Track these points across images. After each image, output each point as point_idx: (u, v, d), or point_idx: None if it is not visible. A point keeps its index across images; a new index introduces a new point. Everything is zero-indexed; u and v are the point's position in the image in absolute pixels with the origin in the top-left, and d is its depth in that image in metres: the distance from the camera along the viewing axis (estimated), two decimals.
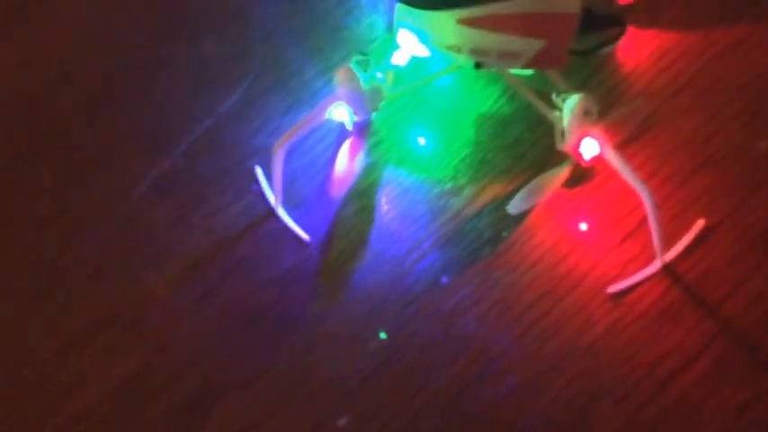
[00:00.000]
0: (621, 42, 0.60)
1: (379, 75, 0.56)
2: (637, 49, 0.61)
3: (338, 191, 0.59)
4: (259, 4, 0.70)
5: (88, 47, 0.71)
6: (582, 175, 0.57)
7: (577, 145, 0.52)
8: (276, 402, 0.54)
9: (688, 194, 0.55)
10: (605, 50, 0.58)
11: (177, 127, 0.65)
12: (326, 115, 0.56)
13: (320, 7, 0.69)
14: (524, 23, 0.53)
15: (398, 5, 0.57)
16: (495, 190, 0.57)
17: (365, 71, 0.56)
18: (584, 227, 0.55)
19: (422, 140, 0.60)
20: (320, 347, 0.55)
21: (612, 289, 0.52)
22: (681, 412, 0.51)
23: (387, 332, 0.55)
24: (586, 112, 0.50)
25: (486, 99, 0.61)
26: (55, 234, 0.62)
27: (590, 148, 0.51)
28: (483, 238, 0.56)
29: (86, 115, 0.67)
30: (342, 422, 0.52)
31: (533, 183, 0.53)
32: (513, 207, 0.54)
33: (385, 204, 0.58)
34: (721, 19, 0.62)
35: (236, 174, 0.62)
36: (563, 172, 0.54)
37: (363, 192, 0.59)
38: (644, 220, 0.54)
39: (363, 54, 0.57)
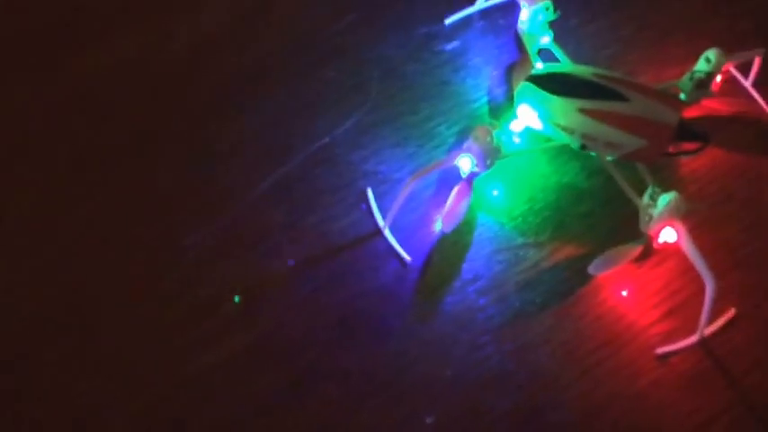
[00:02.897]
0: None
1: (503, 138, 0.68)
2: (694, 159, 0.72)
3: (448, 226, 0.68)
4: (377, 46, 0.81)
5: (218, 51, 0.81)
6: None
7: (659, 230, 0.64)
8: (371, 396, 0.63)
9: (724, 287, 0.65)
10: (687, 156, 0.71)
11: (296, 140, 0.75)
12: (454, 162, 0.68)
13: (431, 60, 0.80)
14: (634, 124, 0.65)
15: (524, 84, 0.69)
16: (568, 250, 0.69)
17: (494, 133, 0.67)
18: (640, 294, 0.67)
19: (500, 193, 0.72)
20: (410, 356, 0.65)
21: (660, 350, 0.64)
22: None
23: (467, 355, 0.65)
24: (678, 209, 0.62)
25: (568, 171, 0.73)
26: (178, 216, 0.71)
27: (669, 235, 0.63)
28: (556, 289, 0.67)
29: (216, 112, 0.77)
30: (429, 420, 0.63)
31: (612, 252, 0.65)
32: (594, 269, 0.66)
33: (476, 244, 0.70)
34: (764, 149, 0.74)
35: (347, 191, 0.72)
36: (636, 249, 0.66)
37: (459, 230, 0.69)
38: (687, 300, 0.66)
39: (496, 119, 0.69)
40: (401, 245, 0.69)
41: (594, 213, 0.71)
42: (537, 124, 0.70)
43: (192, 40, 0.82)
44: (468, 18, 0.83)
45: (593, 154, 0.71)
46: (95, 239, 0.71)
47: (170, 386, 0.65)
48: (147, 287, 0.68)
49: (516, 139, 0.73)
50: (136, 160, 0.75)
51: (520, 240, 0.70)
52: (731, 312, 0.66)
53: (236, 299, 0.68)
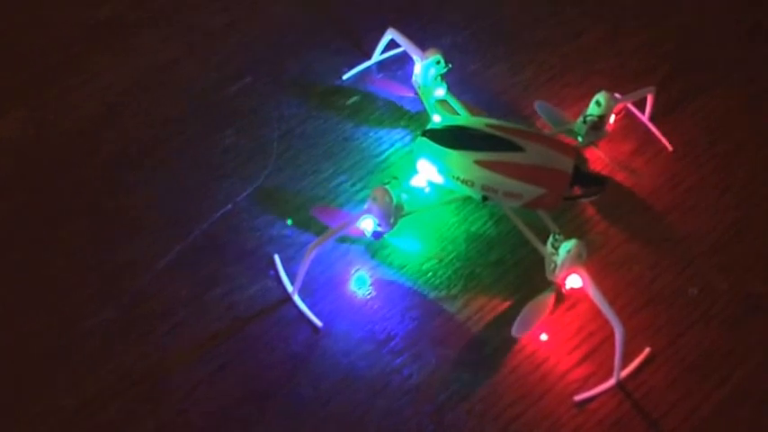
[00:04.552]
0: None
1: (404, 196, 0.67)
2: (598, 200, 0.72)
3: (352, 287, 0.68)
4: (277, 106, 0.80)
5: (114, 121, 0.79)
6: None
7: (564, 277, 0.63)
8: None
9: (636, 326, 0.67)
10: (588, 200, 0.71)
11: (198, 209, 0.73)
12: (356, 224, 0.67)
13: (332, 116, 0.79)
14: (530, 173, 0.66)
15: (420, 139, 0.69)
16: (482, 301, 0.68)
17: (394, 191, 0.66)
18: (555, 339, 0.66)
19: (409, 248, 0.71)
20: (325, 427, 0.62)
21: (578, 397, 0.64)
22: None
23: (383, 421, 0.63)
24: (579, 255, 0.62)
25: (476, 220, 0.72)
26: (78, 297, 0.68)
27: (575, 281, 0.63)
28: (471, 342, 0.66)
29: (113, 186, 0.74)
30: None
31: (528, 309, 0.64)
32: (516, 330, 0.64)
33: (388, 303, 0.68)
34: (664, 183, 0.76)
35: (253, 258, 0.70)
36: (550, 297, 0.65)
37: (370, 290, 0.68)
38: (602, 342, 0.66)
39: (395, 177, 0.67)
40: (312, 309, 0.67)
41: (505, 261, 0.71)
42: (437, 178, 0.70)
43: (82, 112, 0.79)
44: (366, 72, 0.83)
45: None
46: None
47: None
48: (46, 375, 0.64)
49: (426, 189, 0.72)
50: (26, 244, 0.71)
51: (432, 295, 0.69)
52: (646, 351, 0.66)
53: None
